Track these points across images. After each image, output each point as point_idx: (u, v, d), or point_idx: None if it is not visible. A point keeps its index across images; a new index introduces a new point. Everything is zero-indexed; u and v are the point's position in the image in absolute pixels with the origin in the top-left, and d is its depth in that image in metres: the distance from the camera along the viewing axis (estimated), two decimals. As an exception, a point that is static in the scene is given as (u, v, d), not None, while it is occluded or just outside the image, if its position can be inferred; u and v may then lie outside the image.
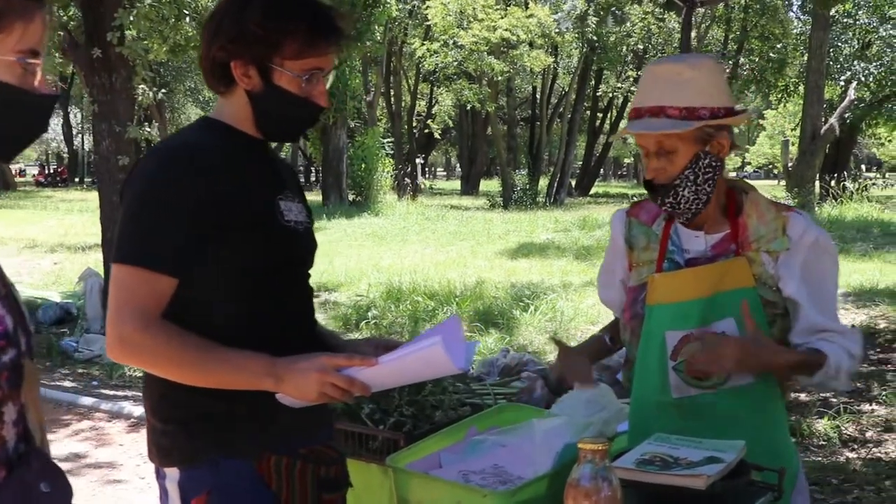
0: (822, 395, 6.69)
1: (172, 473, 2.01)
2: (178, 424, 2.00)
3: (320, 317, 2.23)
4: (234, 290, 1.99)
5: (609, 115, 43.72)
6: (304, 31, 1.99)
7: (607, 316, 10.38)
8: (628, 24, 31.31)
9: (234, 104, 2.07)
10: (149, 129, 9.54)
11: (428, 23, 31.08)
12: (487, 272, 12.85)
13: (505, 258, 14.64)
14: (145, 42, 9.05)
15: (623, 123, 49.45)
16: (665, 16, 31.04)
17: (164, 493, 2.05)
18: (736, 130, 2.48)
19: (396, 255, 15.04)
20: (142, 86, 8.99)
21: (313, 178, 47.33)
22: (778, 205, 2.38)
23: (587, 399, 2.58)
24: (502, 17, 28.16)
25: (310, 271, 2.21)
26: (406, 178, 31.75)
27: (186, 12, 10.32)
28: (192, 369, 1.91)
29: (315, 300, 2.23)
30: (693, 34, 32.27)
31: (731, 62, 33.41)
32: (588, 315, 9.92)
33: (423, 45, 30.50)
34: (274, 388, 1.93)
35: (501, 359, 3.21)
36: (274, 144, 2.20)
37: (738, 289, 2.30)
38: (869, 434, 6.33)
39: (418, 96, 43.55)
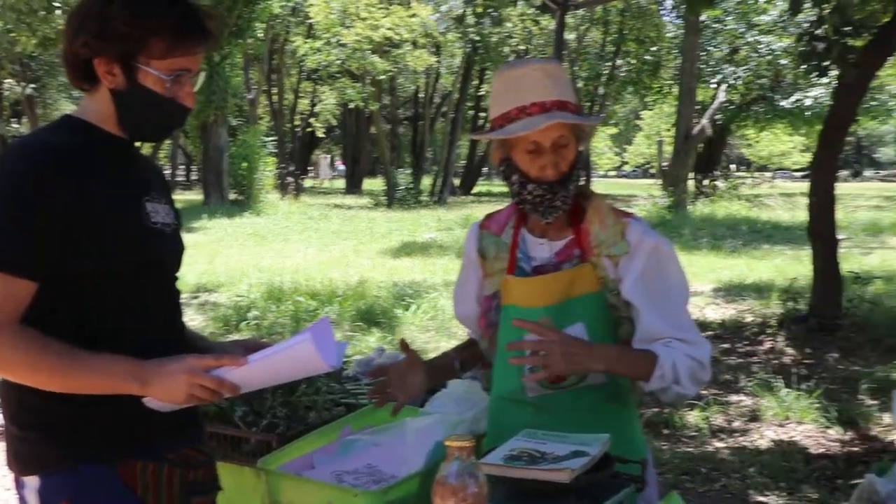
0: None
1: (32, 482, 1.95)
2: (37, 431, 1.94)
3: (199, 318, 2.21)
4: (99, 293, 1.94)
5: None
6: (172, 29, 1.95)
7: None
8: (509, 25, 31.68)
9: (98, 102, 2.02)
10: (17, 126, 9.20)
11: (310, 20, 30.83)
12: (370, 271, 12.84)
13: (388, 257, 14.66)
14: (13, 34, 8.71)
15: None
16: (544, 18, 31.56)
17: (23, 503, 1.99)
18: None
19: (278, 255, 14.90)
20: (9, 80, 8.65)
21: (194, 177, 46.40)
22: (618, 211, 2.41)
23: (458, 397, 2.62)
24: (385, 16, 28.16)
25: (177, 273, 2.18)
26: (289, 177, 31.43)
27: (57, 4, 9.98)
28: (53, 375, 1.86)
29: (194, 301, 2.20)
30: (573, 36, 32.92)
31: (609, 64, 34.17)
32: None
33: (305, 42, 30.25)
34: (140, 391, 1.89)
35: (377, 358, 3.22)
36: (138, 144, 2.16)
37: (587, 294, 2.34)
38: (736, 424, 6.58)
39: (301, 94, 43.15)
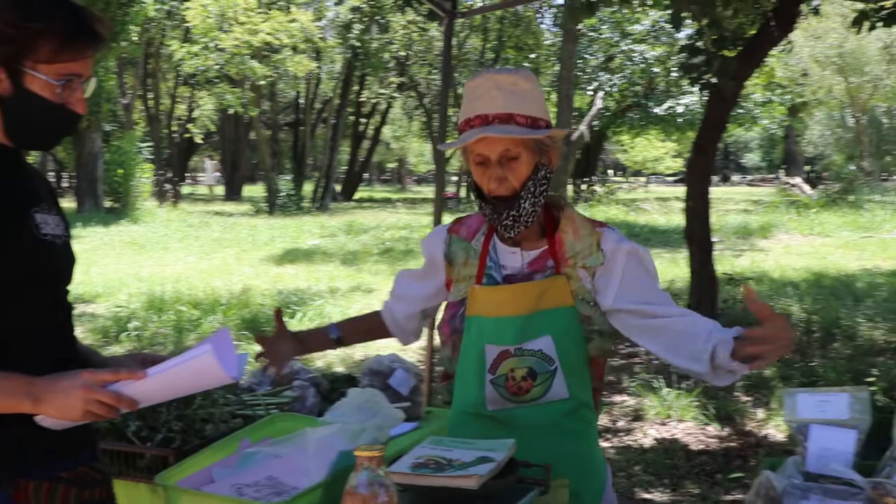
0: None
1: None
2: None
3: (77, 330, 2.13)
4: (-13, 307, 1.87)
5: (373, 121, 44.12)
6: (60, 32, 1.89)
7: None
8: (391, 32, 31.73)
9: None
10: None
11: (187, 24, 30.20)
12: (253, 279, 12.67)
13: (271, 264, 14.48)
14: None
15: (387, 129, 50.11)
16: (426, 25, 31.72)
17: None
18: None
19: (158, 264, 14.54)
20: None
21: (66, 184, 44.88)
22: (592, 221, 2.41)
23: (359, 405, 2.60)
24: (264, 21, 27.80)
25: (68, 287, 2.11)
26: (166, 184, 30.72)
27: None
28: None
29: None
30: (453, 42, 33.18)
31: (488, 71, 34.51)
32: (356, 320, 9.98)
33: (182, 47, 29.62)
34: (32, 409, 1.82)
35: (271, 368, 3.17)
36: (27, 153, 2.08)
37: (557, 307, 2.32)
38: (620, 424, 6.74)
39: (178, 99, 42.23)
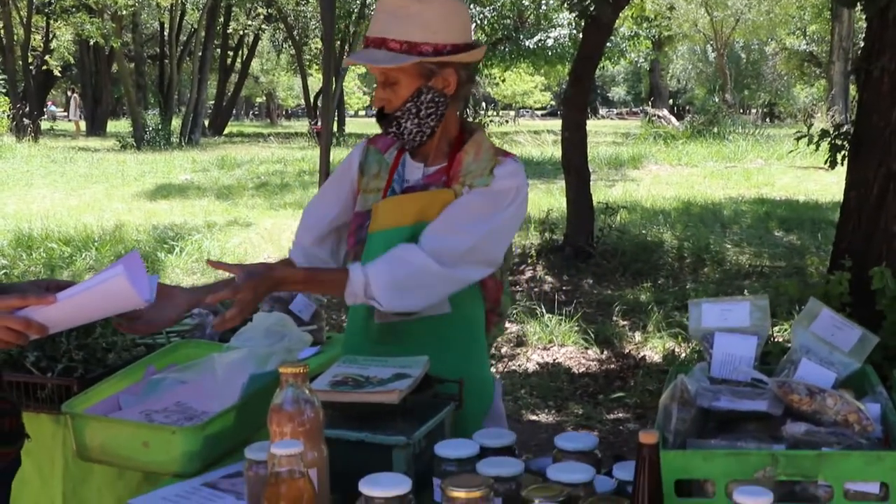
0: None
1: None
2: None
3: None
4: None
5: (240, 54, 42.97)
6: None
7: (255, 254, 10.32)
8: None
9: None
10: None
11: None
12: (126, 215, 12.32)
13: (144, 200, 14.09)
14: None
15: (255, 63, 48.90)
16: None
17: None
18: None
19: (22, 201, 13.95)
20: None
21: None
22: (500, 150, 2.43)
23: (266, 329, 2.59)
24: (125, -53, 26.60)
25: None
26: (25, 119, 29.30)
27: None
28: None
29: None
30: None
31: (359, 2, 34.05)
32: (235, 254, 9.85)
33: (34, -28, 28.09)
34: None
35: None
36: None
37: None
38: (504, 350, 6.90)
39: (33, 30, 40.16)
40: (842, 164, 6.12)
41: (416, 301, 2.25)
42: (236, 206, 13.42)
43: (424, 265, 2.21)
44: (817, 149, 6.48)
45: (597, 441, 1.97)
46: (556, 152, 10.97)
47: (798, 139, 6.68)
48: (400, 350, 2.29)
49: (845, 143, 6.11)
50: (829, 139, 6.29)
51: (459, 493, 1.59)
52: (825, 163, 6.41)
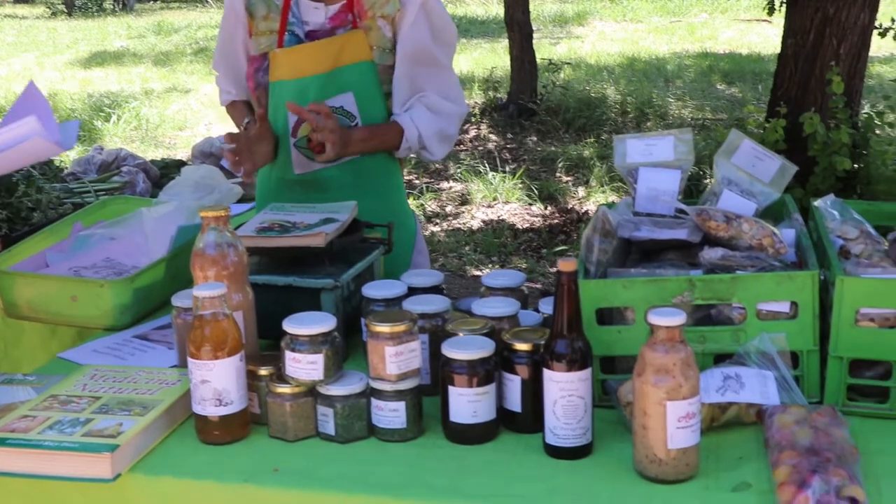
0: (406, 178, 7.13)
1: None
2: None
3: None
4: None
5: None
6: None
7: (195, 121, 10.12)
8: None
9: None
10: None
11: None
12: (60, 84, 11.95)
13: (78, 68, 13.65)
14: None
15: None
16: None
17: None
18: None
19: (-53, 72, 13.47)
20: None
21: None
22: None
23: (195, 182, 2.56)
24: None
25: None
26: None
27: None
28: None
29: None
30: None
31: None
32: (175, 121, 9.68)
33: None
34: None
35: (97, 155, 3.05)
36: None
37: (357, 62, 2.31)
38: (449, 208, 6.92)
39: None
40: (779, 10, 6.09)
41: (450, 146, 2.43)
42: (174, 72, 13.07)
43: (451, 111, 2.37)
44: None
45: (524, 277, 1.99)
46: (501, 11, 10.75)
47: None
48: (324, 197, 2.28)
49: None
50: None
51: (383, 328, 1.60)
52: (763, 9, 6.38)
